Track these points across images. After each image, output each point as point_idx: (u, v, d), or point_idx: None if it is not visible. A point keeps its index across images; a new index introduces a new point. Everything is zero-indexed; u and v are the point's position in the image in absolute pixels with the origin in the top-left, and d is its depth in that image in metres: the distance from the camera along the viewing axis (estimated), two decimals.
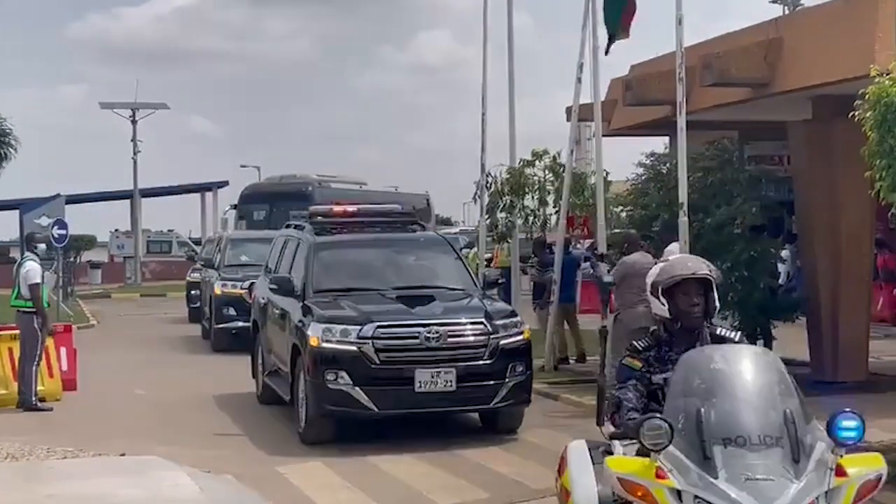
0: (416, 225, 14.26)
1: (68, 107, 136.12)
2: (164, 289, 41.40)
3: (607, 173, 17.91)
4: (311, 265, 12.56)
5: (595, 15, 14.73)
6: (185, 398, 15.11)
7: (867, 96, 8.85)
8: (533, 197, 18.86)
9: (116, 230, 56.73)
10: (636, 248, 13.16)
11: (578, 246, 20.46)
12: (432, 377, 11.13)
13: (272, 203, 35.76)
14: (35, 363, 14.04)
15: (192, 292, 26.80)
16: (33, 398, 14.00)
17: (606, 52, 14.36)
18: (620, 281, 13.00)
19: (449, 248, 13.54)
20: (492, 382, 11.37)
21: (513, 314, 12.09)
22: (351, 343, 11.16)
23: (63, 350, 15.37)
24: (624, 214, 16.12)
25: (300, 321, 11.80)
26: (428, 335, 11.21)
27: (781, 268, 19.94)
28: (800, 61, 12.92)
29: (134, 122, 52.79)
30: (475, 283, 12.79)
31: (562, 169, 17.71)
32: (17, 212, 31.64)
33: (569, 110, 16.27)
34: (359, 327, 11.20)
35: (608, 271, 13.37)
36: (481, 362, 11.32)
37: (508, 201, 18.55)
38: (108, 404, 14.69)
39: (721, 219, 13.72)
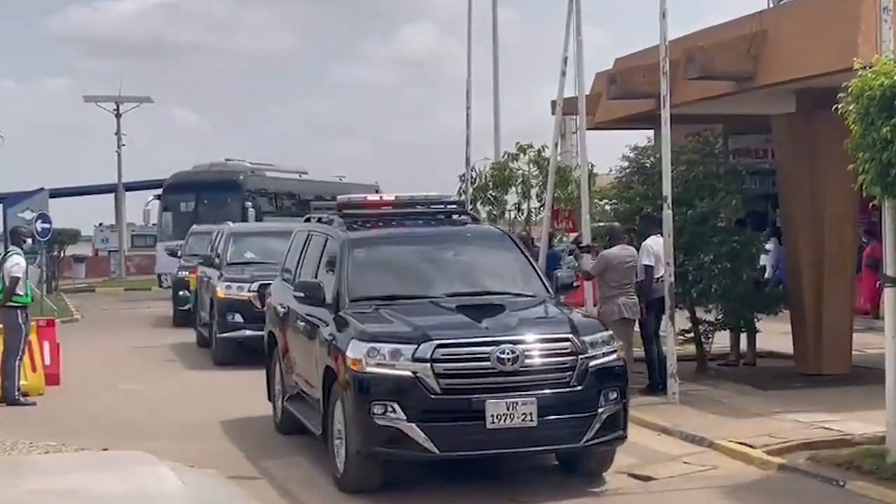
0: (467, 215, 12.06)
1: (51, 100, 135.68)
2: (149, 283, 41.26)
3: (592, 166, 17.97)
4: (344, 267, 10.22)
5: (578, 9, 14.73)
6: (170, 392, 15.08)
7: (850, 89, 8.86)
8: (517, 191, 18.91)
9: (101, 224, 56.55)
10: (618, 241, 13.19)
11: (555, 244, 20.22)
12: (508, 409, 8.73)
13: (200, 193, 34.07)
14: (18, 357, 13.99)
15: (180, 293, 24.36)
16: (16, 393, 13.95)
17: None
18: (600, 274, 13.04)
19: (510, 242, 11.18)
20: (582, 415, 8.97)
21: (602, 327, 9.71)
22: (404, 367, 8.80)
23: (46, 344, 15.35)
24: (608, 208, 16.12)
25: (334, 337, 9.50)
26: (501, 356, 8.81)
27: (767, 260, 20.02)
28: (783, 55, 12.94)
29: (118, 115, 52.59)
30: (546, 287, 10.49)
31: (546, 163, 17.72)
32: None
33: (553, 104, 16.27)
34: (413, 346, 8.84)
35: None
36: (568, 389, 8.94)
37: (492, 195, 18.58)
38: (92, 399, 14.65)
39: (703, 212, 13.76)
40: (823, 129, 12.74)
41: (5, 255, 14.43)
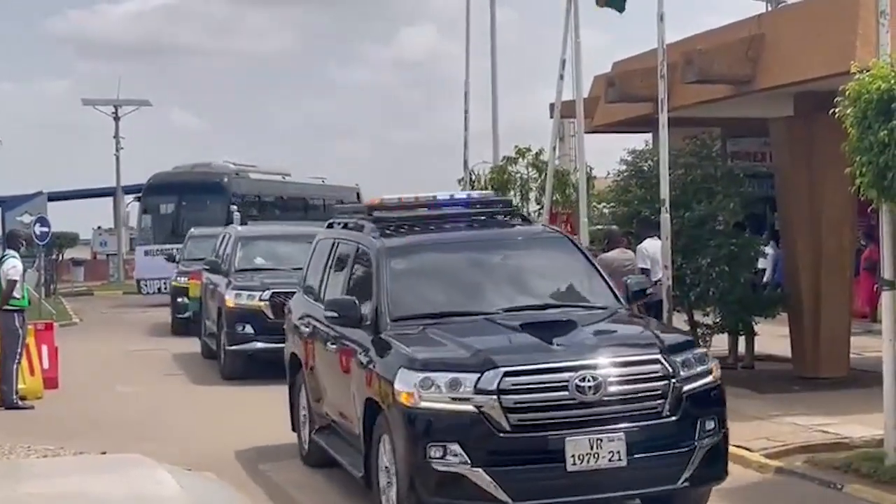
0: (516, 216, 10.55)
1: (50, 102, 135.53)
2: None
3: (591, 169, 17.99)
4: (382, 280, 8.74)
5: (577, 12, 14.75)
6: (168, 396, 15.07)
7: (847, 93, 8.87)
8: (515, 194, 18.91)
9: (99, 227, 56.50)
10: (617, 245, 13.20)
11: None
12: (591, 448, 7.40)
13: (182, 195, 32.72)
14: (16, 361, 13.99)
15: (179, 299, 23.22)
16: (14, 396, 13.95)
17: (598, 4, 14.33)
18: None
19: (569, 245, 9.65)
20: (678, 450, 7.63)
21: (692, 343, 8.29)
22: (465, 400, 7.44)
23: (45, 348, 15.34)
24: (607, 211, 16.13)
25: (377, 365, 8.13)
26: (581, 383, 7.46)
27: (765, 264, 20.01)
28: (781, 58, 12.95)
29: (117, 118, 52.59)
30: (617, 297, 9.06)
31: (545, 166, 17.73)
32: None
33: (552, 107, 16.27)
34: (475, 375, 7.45)
35: None
36: (661, 421, 7.61)
37: None
38: (90, 403, 14.64)
39: (701, 215, 13.77)
40: (821, 132, 12.74)
41: (2, 258, 14.42)
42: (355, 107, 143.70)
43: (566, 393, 7.46)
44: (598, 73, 17.35)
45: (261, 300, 16.10)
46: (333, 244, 10.40)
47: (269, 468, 10.42)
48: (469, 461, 7.35)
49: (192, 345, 19.84)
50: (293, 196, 37.71)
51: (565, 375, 7.49)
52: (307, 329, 10.26)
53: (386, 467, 7.90)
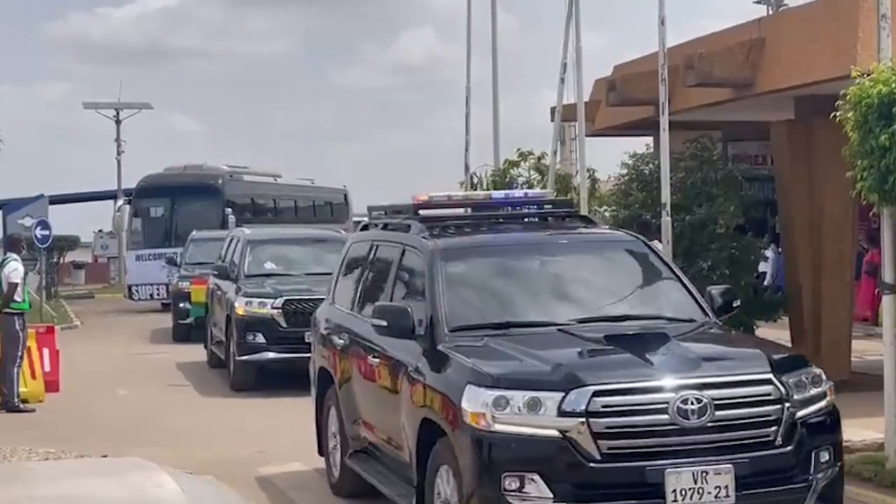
0: (578, 217, 9.54)
1: (50, 106, 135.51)
2: None
3: (593, 172, 18.00)
4: (437, 286, 7.67)
5: (578, 15, 14.76)
6: (169, 399, 15.07)
7: (848, 97, 8.88)
8: None
9: (100, 230, 56.51)
10: None
11: None
12: (695, 481, 6.37)
13: (175, 198, 31.53)
14: (17, 364, 13.99)
15: (181, 304, 22.41)
16: (15, 399, 13.95)
17: None
18: None
19: (645, 249, 8.53)
20: (792, 486, 6.66)
21: (805, 361, 7.21)
22: (548, 424, 6.39)
23: (46, 351, 15.34)
24: (608, 214, 16.14)
25: (435, 380, 7.05)
26: (684, 406, 6.38)
27: (766, 267, 19.98)
28: (782, 62, 12.96)
29: (118, 121, 52.68)
30: (702, 308, 7.98)
31: (547, 169, 17.74)
32: None
33: (553, 110, 16.28)
34: (559, 395, 6.40)
35: None
36: (773, 451, 6.60)
37: None
38: (91, 406, 14.64)
39: (702, 218, 13.78)
40: (822, 136, 12.75)
41: (3, 261, 14.44)
42: (355, 110, 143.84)
43: (666, 416, 6.37)
44: (599, 77, 17.36)
45: (273, 308, 15.26)
46: (371, 247, 9.27)
47: (270, 471, 10.41)
48: (552, 495, 6.30)
49: (195, 351, 19.34)
50: (285, 198, 36.93)
51: (665, 396, 6.41)
52: (341, 341, 9.08)
53: (446, 501, 6.80)
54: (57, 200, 41.45)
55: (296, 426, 11.40)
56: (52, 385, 15.16)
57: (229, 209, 30.54)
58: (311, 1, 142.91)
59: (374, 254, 9.16)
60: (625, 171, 14.79)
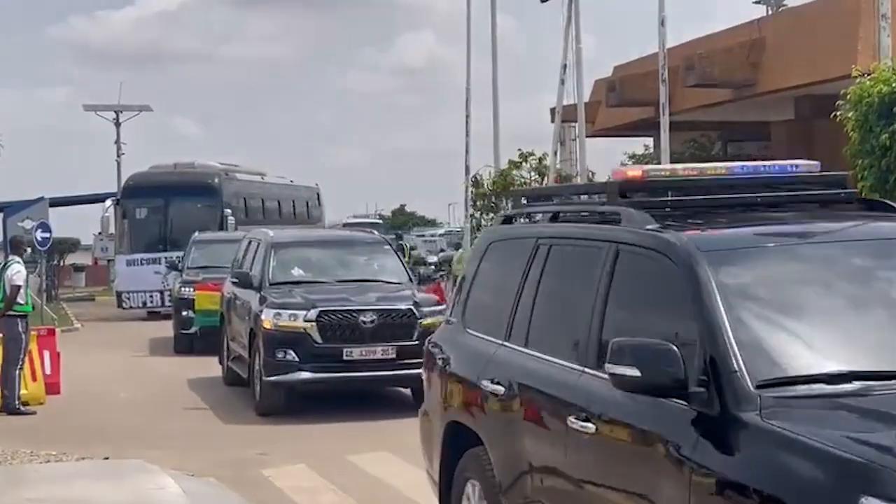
0: (866, 202, 6.25)
1: (51, 109, 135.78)
2: None
3: (593, 173, 18.01)
4: (716, 312, 4.58)
5: (577, 17, 14.77)
6: (171, 401, 15.06)
7: (848, 97, 8.89)
8: None
9: (100, 233, 56.53)
10: None
11: None
12: None
13: (169, 197, 29.28)
14: (19, 367, 13.98)
15: (184, 313, 20.45)
16: (16, 402, 13.94)
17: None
18: None
19: None
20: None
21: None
22: None
23: (46, 353, 15.33)
24: None
25: (740, 473, 4.20)
26: None
27: None
28: (782, 62, 12.98)
29: (118, 124, 52.67)
30: None
31: (547, 170, 17.76)
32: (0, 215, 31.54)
33: (553, 111, 16.29)
34: None
35: None
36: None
37: (492, 202, 18.63)
38: (92, 408, 14.63)
39: None
40: (822, 135, 12.76)
41: (6, 264, 14.42)
42: (355, 113, 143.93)
43: None
44: (599, 78, 17.38)
45: (306, 320, 13.21)
46: (538, 249, 6.24)
47: (272, 473, 10.40)
48: None
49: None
50: (271, 197, 34.95)
51: None
52: (498, 388, 6.05)
53: None
54: (57, 203, 41.45)
55: (298, 428, 11.39)
56: (52, 387, 15.14)
57: (228, 210, 29.24)
58: (311, 4, 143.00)
59: (548, 258, 6.16)
60: None
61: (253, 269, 15.26)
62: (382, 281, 14.76)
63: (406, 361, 12.56)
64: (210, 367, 16.94)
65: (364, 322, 13.10)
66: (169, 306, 24.21)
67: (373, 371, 13.19)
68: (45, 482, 9.49)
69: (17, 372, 14.00)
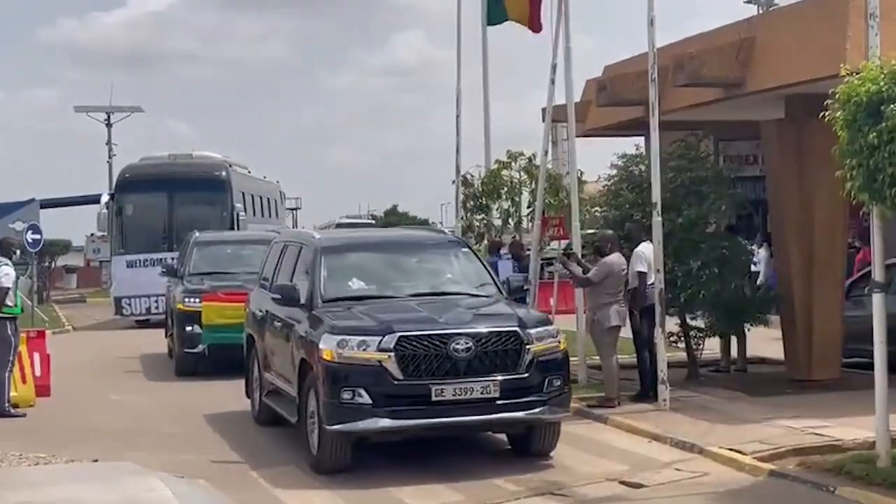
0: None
1: (41, 111, 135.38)
2: None
3: (582, 173, 18.01)
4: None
5: (567, 17, 14.76)
6: (160, 403, 15.03)
7: (837, 96, 8.88)
8: (506, 198, 18.96)
9: (92, 234, 56.32)
10: (616, 249, 13.19)
11: (502, 251, 19.53)
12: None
13: (172, 191, 26.13)
14: (8, 369, 13.95)
15: (188, 328, 17.44)
16: (6, 404, 13.91)
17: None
18: (601, 281, 13.00)
19: None
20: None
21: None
22: None
23: (36, 355, 15.30)
24: (599, 215, 16.14)
25: None
26: None
27: (760, 267, 19.96)
28: (772, 61, 12.97)
29: (109, 125, 52.69)
30: None
31: (537, 170, 17.74)
32: None
33: (543, 111, 16.27)
34: None
35: (583, 272, 13.39)
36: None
37: (482, 202, 18.62)
38: (82, 410, 14.61)
39: (692, 217, 13.78)
40: (812, 135, 12.77)
41: None
42: (346, 113, 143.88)
43: None
44: (589, 78, 17.36)
45: (381, 349, 9.89)
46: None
47: (262, 474, 10.38)
48: None
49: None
50: (256, 193, 32.24)
51: None
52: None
53: None
54: (48, 204, 41.41)
55: (287, 432, 11.37)
56: (42, 389, 15.11)
57: (240, 205, 26.34)
58: (302, 4, 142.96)
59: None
60: (614, 172, 14.79)
61: (295, 280, 11.84)
62: (466, 294, 11.44)
63: (511, 402, 9.96)
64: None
65: (457, 350, 9.84)
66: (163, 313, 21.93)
67: (468, 416, 9.99)
68: (34, 485, 9.47)
69: (7, 374, 13.96)
